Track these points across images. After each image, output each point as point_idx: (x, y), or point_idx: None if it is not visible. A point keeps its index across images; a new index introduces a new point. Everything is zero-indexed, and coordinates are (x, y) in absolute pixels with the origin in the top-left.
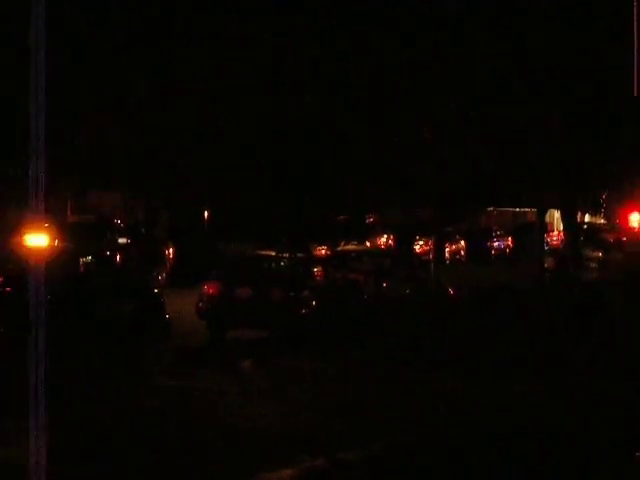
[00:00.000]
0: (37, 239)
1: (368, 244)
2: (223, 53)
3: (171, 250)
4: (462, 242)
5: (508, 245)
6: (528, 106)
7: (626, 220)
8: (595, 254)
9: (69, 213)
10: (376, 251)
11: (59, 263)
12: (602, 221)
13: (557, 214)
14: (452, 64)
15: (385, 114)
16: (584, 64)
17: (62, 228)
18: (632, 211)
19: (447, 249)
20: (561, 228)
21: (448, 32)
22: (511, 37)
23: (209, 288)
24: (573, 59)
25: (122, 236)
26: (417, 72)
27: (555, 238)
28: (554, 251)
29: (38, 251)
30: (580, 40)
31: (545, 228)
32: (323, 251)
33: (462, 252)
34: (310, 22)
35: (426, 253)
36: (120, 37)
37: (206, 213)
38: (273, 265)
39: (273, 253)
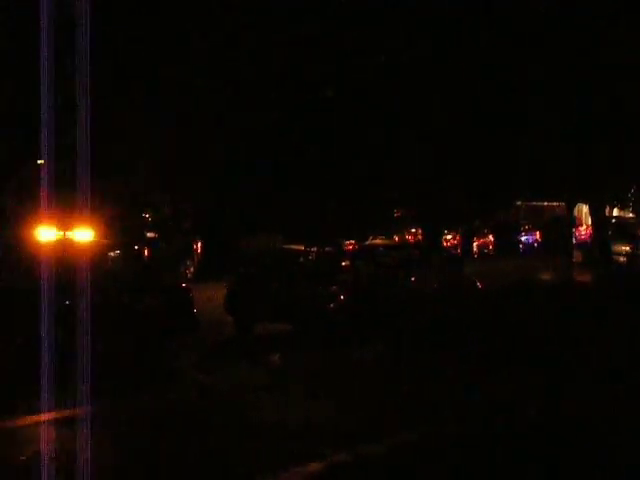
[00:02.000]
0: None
1: (396, 238)
2: (243, 52)
3: (199, 245)
4: (490, 236)
5: (537, 239)
6: (556, 101)
7: None
8: (623, 248)
9: None
10: (404, 245)
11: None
12: (630, 215)
13: (585, 208)
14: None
15: (410, 109)
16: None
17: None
18: None
19: (475, 243)
20: (589, 222)
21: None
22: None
23: (236, 282)
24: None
25: (150, 231)
26: (440, 67)
27: (583, 232)
28: (582, 245)
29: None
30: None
31: (574, 222)
32: (351, 246)
33: (490, 246)
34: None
35: (454, 247)
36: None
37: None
38: (301, 259)
39: (301, 247)
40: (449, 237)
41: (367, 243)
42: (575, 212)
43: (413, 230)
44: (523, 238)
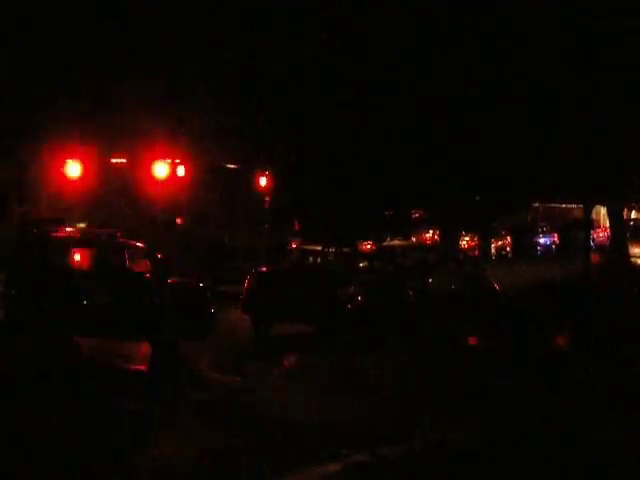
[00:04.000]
0: None
1: (414, 239)
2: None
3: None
4: (508, 238)
5: (554, 241)
6: (576, 101)
7: None
8: None
9: None
10: (422, 246)
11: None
12: None
13: (603, 210)
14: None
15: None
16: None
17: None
18: None
19: (493, 245)
20: (607, 224)
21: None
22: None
23: (254, 282)
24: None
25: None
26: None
27: (601, 235)
28: (600, 247)
29: None
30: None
31: (591, 224)
32: (368, 246)
33: (508, 248)
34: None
35: (472, 248)
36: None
37: None
38: (319, 260)
39: (319, 248)
40: (467, 239)
41: (385, 244)
42: (593, 214)
43: (430, 231)
44: (541, 240)
